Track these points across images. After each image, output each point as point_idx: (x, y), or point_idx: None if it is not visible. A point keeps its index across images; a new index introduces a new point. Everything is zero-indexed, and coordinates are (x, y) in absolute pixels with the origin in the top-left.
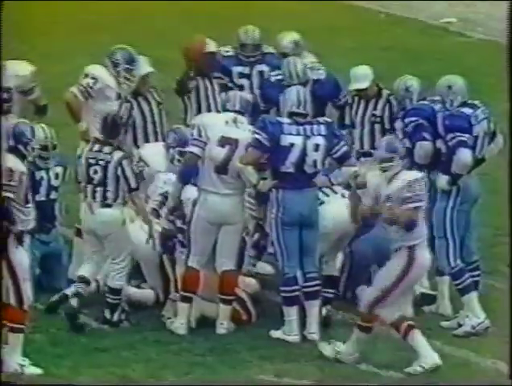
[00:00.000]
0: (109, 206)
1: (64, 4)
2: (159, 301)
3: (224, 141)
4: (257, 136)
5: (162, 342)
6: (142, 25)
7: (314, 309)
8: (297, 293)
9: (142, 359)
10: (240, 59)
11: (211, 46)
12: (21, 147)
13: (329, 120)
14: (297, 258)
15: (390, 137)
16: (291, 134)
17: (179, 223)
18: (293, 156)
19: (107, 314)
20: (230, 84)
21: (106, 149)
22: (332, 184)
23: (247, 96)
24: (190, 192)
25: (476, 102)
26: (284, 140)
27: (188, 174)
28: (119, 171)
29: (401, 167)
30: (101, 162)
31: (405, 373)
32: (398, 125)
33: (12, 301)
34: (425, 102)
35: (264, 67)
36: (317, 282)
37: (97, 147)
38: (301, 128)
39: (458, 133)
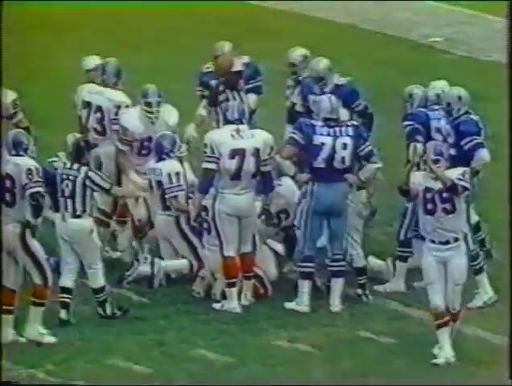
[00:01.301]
0: (78, 216)
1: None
2: (193, 268)
3: (233, 154)
4: (294, 135)
5: (192, 312)
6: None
7: (338, 285)
8: (312, 269)
9: (176, 327)
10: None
11: (238, 64)
12: (22, 153)
13: (356, 123)
14: (315, 242)
15: (436, 142)
16: (322, 135)
17: (204, 214)
18: (324, 153)
19: (100, 311)
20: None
21: (75, 166)
22: (360, 179)
23: (243, 105)
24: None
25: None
26: (316, 139)
27: (208, 186)
28: (88, 182)
29: (445, 168)
30: (70, 177)
31: (397, 339)
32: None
33: (37, 280)
34: (422, 109)
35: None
36: (342, 263)
37: (68, 164)
38: (331, 130)
39: (474, 136)
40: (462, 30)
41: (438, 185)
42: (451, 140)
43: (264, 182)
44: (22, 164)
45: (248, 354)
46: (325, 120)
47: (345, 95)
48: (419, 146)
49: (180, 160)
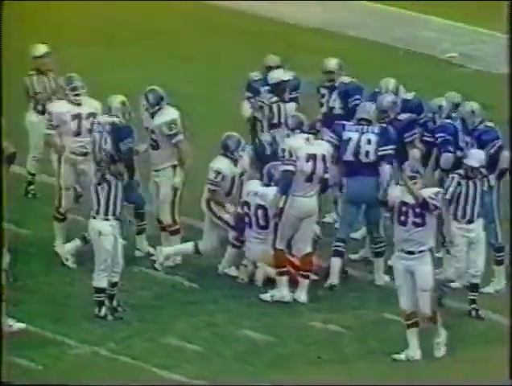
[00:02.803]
0: (93, 217)
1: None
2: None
3: (308, 158)
4: (330, 139)
5: (237, 296)
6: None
7: (380, 263)
8: (343, 249)
9: (223, 310)
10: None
11: (285, 75)
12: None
13: (385, 125)
14: (348, 226)
15: (412, 161)
16: (350, 131)
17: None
18: (351, 147)
19: (96, 310)
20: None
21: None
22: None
23: (300, 116)
24: (253, 186)
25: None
26: (345, 135)
27: (287, 187)
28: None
29: (421, 185)
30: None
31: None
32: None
33: None
34: (449, 121)
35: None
36: (382, 244)
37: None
38: (359, 126)
39: (495, 141)
40: (476, 47)
41: (413, 200)
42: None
43: (322, 186)
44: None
45: (287, 334)
46: (358, 120)
47: (412, 108)
48: (451, 156)
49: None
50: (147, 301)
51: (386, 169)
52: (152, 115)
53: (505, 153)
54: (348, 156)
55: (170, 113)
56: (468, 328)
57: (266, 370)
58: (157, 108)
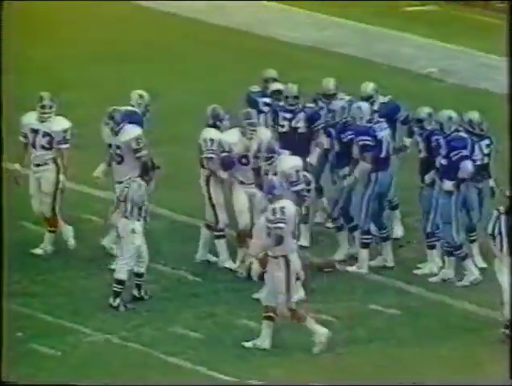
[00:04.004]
0: (126, 217)
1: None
2: None
3: None
4: (367, 142)
5: (237, 289)
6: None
7: (388, 247)
8: (370, 240)
9: (224, 301)
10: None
11: (276, 85)
12: None
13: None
14: (373, 220)
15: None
16: (380, 131)
17: None
18: (384, 145)
19: (111, 300)
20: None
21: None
22: None
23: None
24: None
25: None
26: (379, 135)
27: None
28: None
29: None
30: (127, 185)
31: (401, 311)
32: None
33: None
34: (464, 135)
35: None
36: (388, 229)
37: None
38: (377, 126)
39: (461, 150)
40: (453, 63)
41: None
42: (443, 152)
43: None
44: None
45: (281, 323)
46: (368, 121)
47: (391, 109)
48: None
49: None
50: (155, 294)
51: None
52: (116, 132)
53: (466, 165)
54: (384, 153)
55: (135, 130)
56: (448, 318)
57: (262, 356)
58: (122, 125)
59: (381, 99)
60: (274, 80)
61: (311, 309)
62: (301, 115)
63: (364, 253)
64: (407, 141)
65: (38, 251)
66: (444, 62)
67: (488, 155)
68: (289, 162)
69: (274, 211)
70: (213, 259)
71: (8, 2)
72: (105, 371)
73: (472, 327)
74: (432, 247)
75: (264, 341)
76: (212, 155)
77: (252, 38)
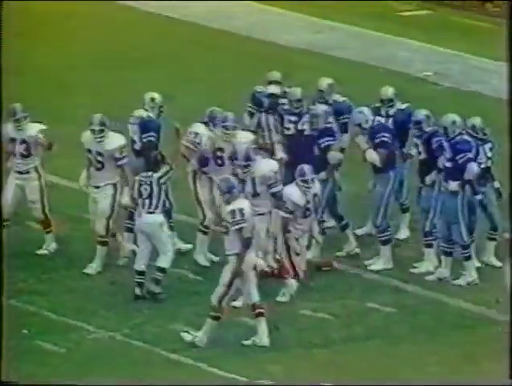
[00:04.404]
0: (151, 213)
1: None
2: None
3: None
4: (386, 139)
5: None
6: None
7: (386, 251)
8: (390, 236)
9: None
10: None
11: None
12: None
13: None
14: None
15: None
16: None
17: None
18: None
19: (151, 287)
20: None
21: (149, 173)
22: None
23: None
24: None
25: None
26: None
27: None
28: (158, 185)
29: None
30: (147, 182)
31: (397, 309)
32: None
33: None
34: (468, 138)
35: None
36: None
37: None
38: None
39: (467, 153)
40: (448, 66)
41: None
42: (448, 155)
43: None
44: None
45: (281, 320)
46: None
47: (406, 115)
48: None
49: None
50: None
51: None
52: (98, 139)
53: (472, 166)
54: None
55: (119, 138)
56: (443, 316)
57: (261, 352)
58: (103, 133)
59: (399, 105)
60: (278, 82)
61: (308, 307)
62: (306, 117)
63: (386, 250)
64: (414, 150)
65: (42, 251)
66: (440, 66)
67: (491, 158)
68: (266, 165)
69: (233, 213)
70: (216, 258)
71: (18, 8)
72: (109, 368)
73: (467, 325)
74: (429, 245)
75: (203, 334)
76: (190, 145)
77: (252, 41)
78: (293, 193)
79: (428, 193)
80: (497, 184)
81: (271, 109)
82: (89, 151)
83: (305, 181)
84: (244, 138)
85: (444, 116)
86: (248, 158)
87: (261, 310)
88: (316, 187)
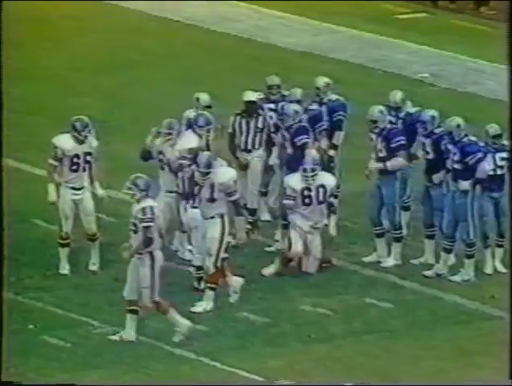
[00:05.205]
0: (195, 207)
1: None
2: None
3: None
4: (404, 142)
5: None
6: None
7: (398, 249)
8: (402, 234)
9: (226, 295)
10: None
11: (251, 95)
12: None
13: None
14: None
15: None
16: None
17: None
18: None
19: (195, 284)
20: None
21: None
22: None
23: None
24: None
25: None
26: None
27: None
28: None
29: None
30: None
31: (394, 304)
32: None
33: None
34: (474, 139)
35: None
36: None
37: None
38: None
39: (476, 153)
40: (444, 68)
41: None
42: (456, 157)
43: None
44: None
45: (281, 316)
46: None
47: (415, 120)
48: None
49: None
50: (161, 288)
51: None
52: (80, 142)
53: (484, 165)
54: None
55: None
56: (439, 311)
57: (261, 346)
58: (84, 134)
59: (409, 109)
60: (277, 86)
61: (308, 303)
62: (304, 117)
63: (398, 247)
64: (421, 153)
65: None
66: (436, 67)
67: (501, 167)
68: (226, 173)
69: (144, 211)
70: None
71: (20, 12)
72: (114, 362)
73: (462, 320)
74: (430, 237)
75: (130, 333)
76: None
77: (253, 44)
78: (290, 179)
79: (437, 192)
80: None
81: (249, 114)
82: (77, 156)
83: (304, 170)
84: (185, 143)
85: (448, 120)
86: (209, 166)
87: (133, 308)
88: (324, 179)
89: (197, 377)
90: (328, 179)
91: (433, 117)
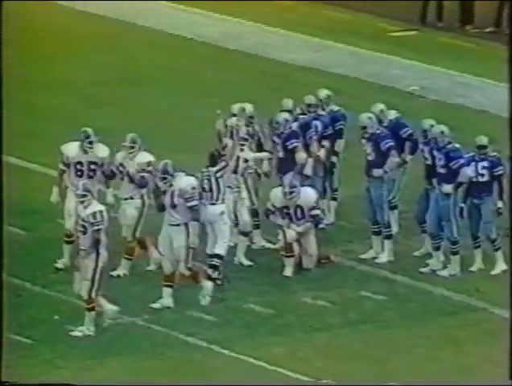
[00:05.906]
0: (213, 204)
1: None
2: None
3: None
4: (391, 143)
5: (245, 278)
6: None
7: (390, 245)
8: (392, 232)
9: (234, 288)
10: None
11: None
12: None
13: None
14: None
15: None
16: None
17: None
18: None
19: (210, 272)
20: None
21: (208, 168)
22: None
23: None
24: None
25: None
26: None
27: None
28: (216, 179)
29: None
30: (207, 177)
31: (388, 297)
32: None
33: None
34: (458, 146)
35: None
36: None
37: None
38: None
39: (459, 159)
40: (433, 82)
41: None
42: (441, 163)
43: None
44: None
45: (284, 307)
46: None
47: (396, 126)
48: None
49: None
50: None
51: None
52: (84, 150)
53: (465, 170)
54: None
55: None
56: (429, 303)
57: (266, 335)
58: (85, 144)
59: (391, 116)
60: (289, 111)
61: (309, 296)
62: (295, 124)
63: (390, 244)
64: (409, 157)
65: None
66: (426, 81)
67: (482, 175)
68: (185, 180)
69: (94, 215)
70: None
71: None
72: (132, 350)
73: (450, 311)
74: (425, 231)
75: (87, 327)
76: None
77: (258, 59)
78: (273, 193)
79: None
80: (500, 204)
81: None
82: (80, 163)
83: (284, 192)
84: (141, 159)
85: (433, 128)
86: (165, 172)
87: (91, 306)
88: (303, 199)
89: (208, 363)
90: (307, 198)
91: (432, 126)
